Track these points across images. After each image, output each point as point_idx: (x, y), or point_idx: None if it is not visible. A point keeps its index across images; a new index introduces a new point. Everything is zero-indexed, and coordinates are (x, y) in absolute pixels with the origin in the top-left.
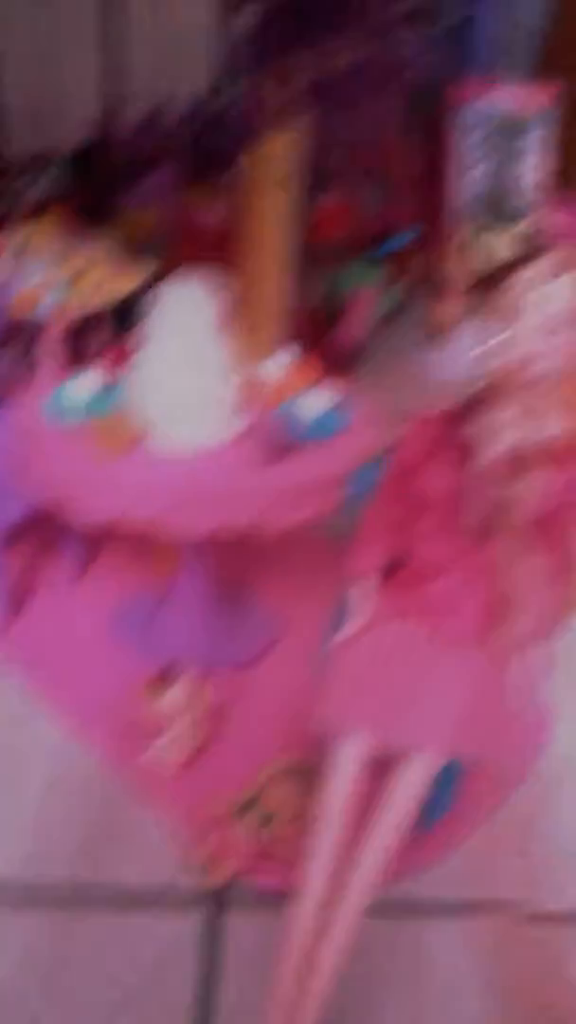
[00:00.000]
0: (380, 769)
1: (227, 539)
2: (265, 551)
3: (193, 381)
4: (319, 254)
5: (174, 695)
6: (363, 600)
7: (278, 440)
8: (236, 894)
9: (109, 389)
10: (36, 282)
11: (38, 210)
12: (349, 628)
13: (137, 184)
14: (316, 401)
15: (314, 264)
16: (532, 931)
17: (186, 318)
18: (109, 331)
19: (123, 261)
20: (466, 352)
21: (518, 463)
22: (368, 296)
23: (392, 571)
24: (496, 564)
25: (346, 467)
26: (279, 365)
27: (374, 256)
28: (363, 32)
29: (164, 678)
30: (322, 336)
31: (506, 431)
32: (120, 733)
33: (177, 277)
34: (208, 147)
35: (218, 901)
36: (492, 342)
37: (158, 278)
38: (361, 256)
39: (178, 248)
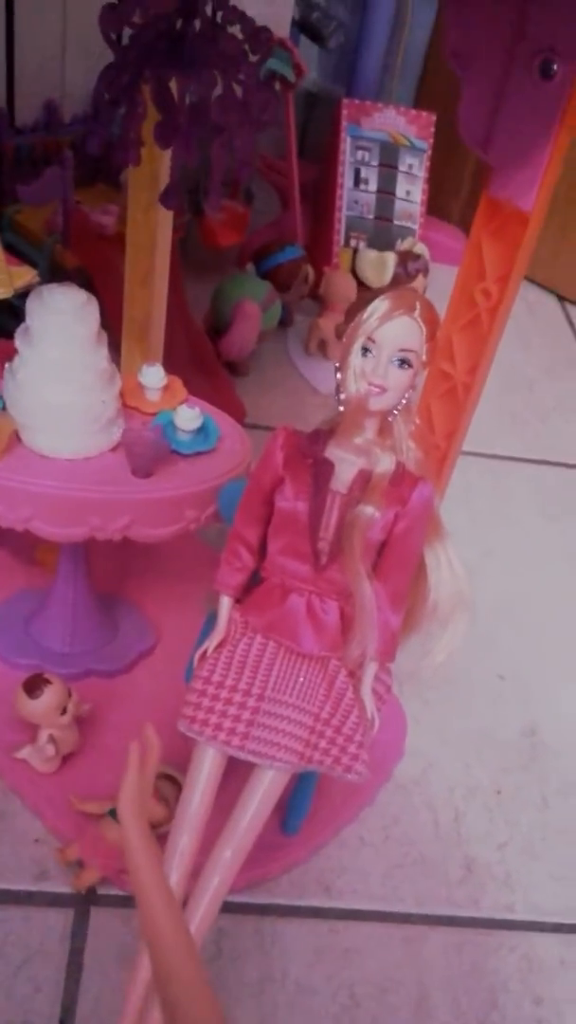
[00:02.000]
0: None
1: (101, 546)
2: (143, 558)
3: (70, 392)
4: (209, 261)
5: (43, 703)
6: (223, 617)
7: (152, 451)
8: (103, 894)
9: None
10: None
11: None
12: (211, 641)
13: (29, 180)
14: (189, 417)
15: (205, 269)
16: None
17: (63, 325)
18: None
19: (11, 258)
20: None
21: (366, 489)
22: (252, 309)
23: (253, 587)
24: (345, 585)
25: (217, 480)
26: (155, 378)
27: (259, 269)
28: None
29: (35, 684)
30: (205, 348)
31: (357, 457)
32: None
33: (54, 285)
34: (102, 148)
35: (86, 900)
36: (338, 374)
37: (49, 277)
38: (246, 269)
39: (72, 247)
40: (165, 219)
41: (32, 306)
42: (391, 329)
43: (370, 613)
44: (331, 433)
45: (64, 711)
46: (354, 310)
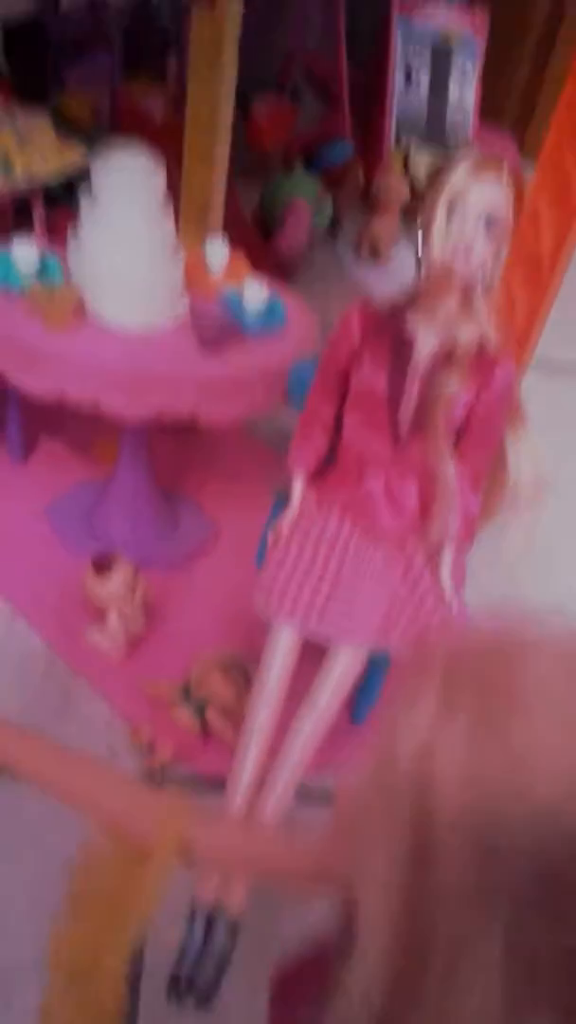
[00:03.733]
0: (313, 658)
1: (167, 426)
2: (201, 456)
3: (136, 259)
4: (256, 163)
5: (114, 582)
6: (297, 495)
7: (220, 326)
8: (172, 775)
9: (52, 262)
10: None
11: None
12: (283, 522)
13: (76, 66)
14: (256, 293)
15: (251, 173)
16: None
17: (130, 194)
18: (42, 209)
19: (59, 140)
20: (397, 269)
21: (450, 362)
22: (304, 207)
23: (327, 467)
24: (425, 463)
25: (285, 360)
26: (219, 252)
27: (311, 168)
28: None
29: (104, 564)
30: (257, 245)
31: (440, 329)
32: (60, 617)
33: (121, 153)
34: (149, 34)
35: (155, 780)
36: (422, 244)
37: (96, 160)
38: (297, 168)
39: (117, 134)
40: (227, 92)
41: (99, 168)
42: (479, 190)
43: (451, 493)
44: (410, 305)
45: (132, 591)
46: (440, 171)
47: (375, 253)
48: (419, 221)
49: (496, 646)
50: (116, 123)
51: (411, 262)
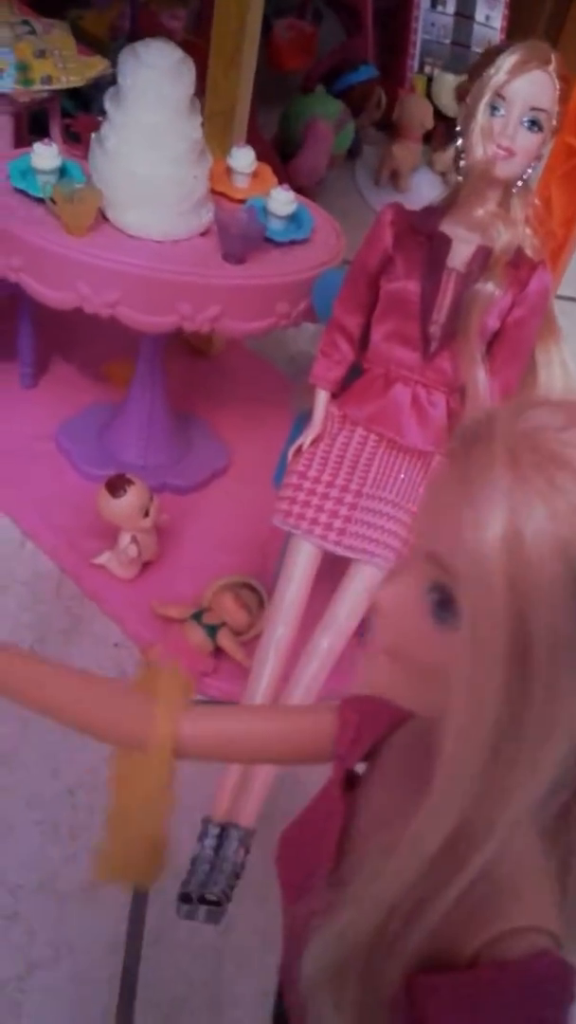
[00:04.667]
0: (331, 574)
1: (175, 363)
2: (216, 379)
3: (163, 161)
4: (275, 87)
5: (128, 503)
6: (321, 410)
7: (246, 234)
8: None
9: (73, 167)
10: None
11: None
12: (305, 437)
13: None
14: (283, 202)
15: (270, 97)
16: None
17: (159, 92)
18: (59, 117)
19: (76, 52)
20: (417, 196)
21: (486, 267)
22: (325, 128)
23: (351, 382)
24: (455, 375)
25: (311, 271)
26: (245, 160)
27: (331, 90)
28: None
29: (118, 486)
30: (276, 167)
31: (477, 232)
32: (70, 539)
33: (150, 48)
34: None
35: None
36: (460, 141)
37: (124, 56)
38: (319, 89)
39: None
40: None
41: (125, 64)
42: (523, 84)
43: (482, 403)
44: (446, 209)
45: (146, 514)
46: (481, 64)
47: (395, 179)
48: (459, 118)
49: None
50: (135, 39)
51: (430, 189)
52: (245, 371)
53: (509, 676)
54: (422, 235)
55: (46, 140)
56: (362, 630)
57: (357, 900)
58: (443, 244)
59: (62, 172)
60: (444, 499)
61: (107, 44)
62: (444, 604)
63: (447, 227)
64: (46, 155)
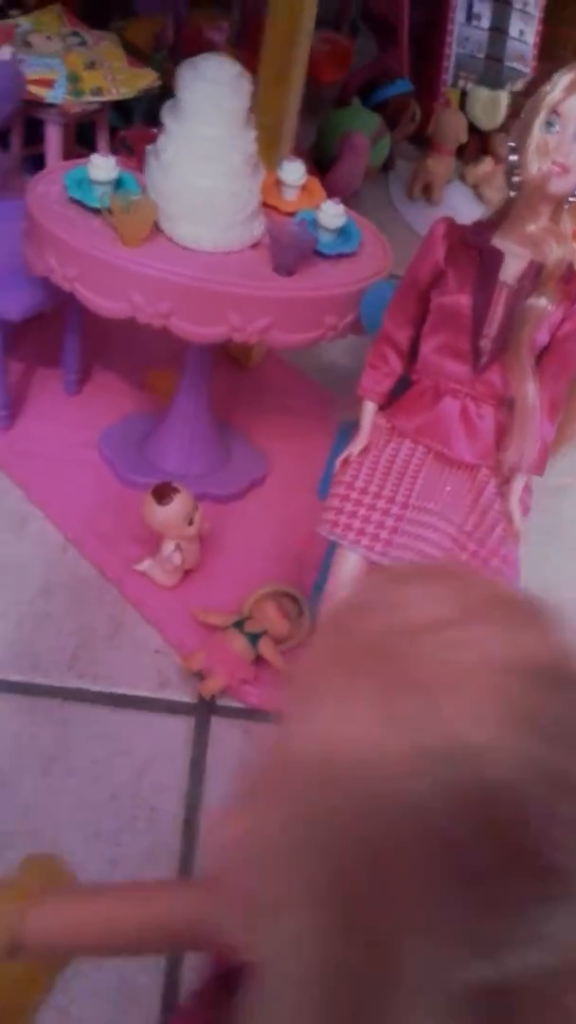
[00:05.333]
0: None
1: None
2: (255, 391)
3: (218, 174)
4: (310, 100)
5: (173, 510)
6: (368, 422)
7: (298, 246)
8: (222, 705)
9: (128, 178)
10: (38, 75)
11: (40, 4)
12: (353, 448)
13: None
14: (333, 215)
15: (305, 110)
16: None
17: (216, 104)
18: (107, 129)
19: (126, 63)
20: (450, 210)
21: (538, 280)
22: (362, 141)
23: (398, 394)
24: (504, 390)
25: (359, 284)
26: (296, 174)
27: (367, 103)
28: None
29: (164, 493)
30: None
31: (529, 248)
32: (112, 546)
33: (209, 61)
34: None
35: (207, 709)
36: (514, 157)
37: (184, 68)
38: (355, 103)
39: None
40: (309, 9)
41: (185, 77)
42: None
43: (532, 417)
44: (497, 224)
45: (191, 522)
46: (537, 81)
47: (428, 193)
48: (511, 136)
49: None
50: (178, 51)
51: (463, 203)
52: (282, 382)
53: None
54: (474, 249)
55: (103, 151)
56: None
57: None
58: (495, 258)
59: (117, 183)
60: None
61: (150, 56)
62: None
63: (499, 242)
64: (103, 166)
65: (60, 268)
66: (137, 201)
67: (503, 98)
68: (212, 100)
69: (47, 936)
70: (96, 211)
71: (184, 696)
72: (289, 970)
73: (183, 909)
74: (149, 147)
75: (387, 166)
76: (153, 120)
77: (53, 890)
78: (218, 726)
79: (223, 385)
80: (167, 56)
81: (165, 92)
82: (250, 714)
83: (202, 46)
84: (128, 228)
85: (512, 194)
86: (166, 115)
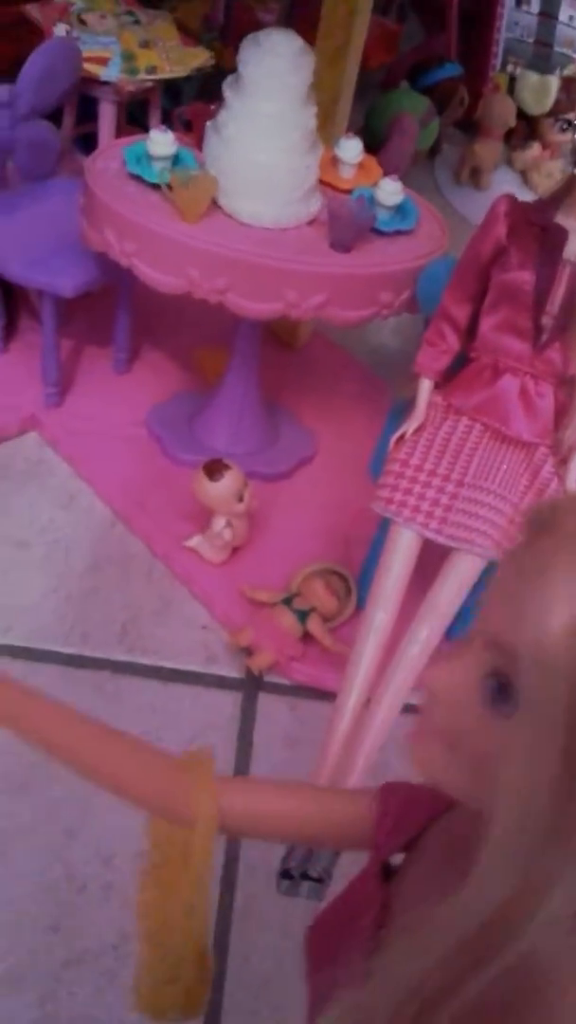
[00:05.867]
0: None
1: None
2: (302, 372)
3: (277, 150)
4: (358, 80)
5: (225, 486)
6: (424, 399)
7: (356, 223)
8: (269, 681)
9: (187, 154)
10: (93, 53)
11: None
12: (408, 425)
13: None
14: (391, 192)
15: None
16: None
17: (280, 73)
18: (159, 109)
19: (180, 42)
20: (497, 194)
21: None
22: (411, 123)
23: (455, 372)
24: (564, 367)
25: (416, 262)
26: (353, 151)
27: (415, 86)
28: None
29: (216, 469)
30: None
31: None
32: (161, 522)
33: (272, 35)
34: None
35: (254, 685)
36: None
37: (247, 43)
38: (403, 85)
39: (231, 45)
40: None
41: (247, 52)
42: None
43: None
44: (560, 201)
45: (240, 499)
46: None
47: (475, 177)
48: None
49: None
50: (228, 32)
51: (510, 188)
52: (328, 363)
53: (563, 769)
54: (536, 226)
55: (162, 127)
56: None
57: (379, 977)
58: (559, 236)
59: (175, 159)
60: (511, 586)
61: (200, 36)
62: (501, 691)
63: (562, 219)
64: (163, 142)
65: (118, 243)
66: (197, 176)
67: (552, 83)
68: (275, 75)
69: (236, 820)
70: (155, 186)
71: (232, 671)
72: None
73: (357, 814)
74: (209, 123)
75: (434, 151)
76: (202, 99)
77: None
78: (265, 702)
79: (270, 365)
80: (217, 36)
81: (217, 71)
82: (297, 691)
83: (252, 26)
84: (187, 203)
85: (575, 171)
86: (228, 90)
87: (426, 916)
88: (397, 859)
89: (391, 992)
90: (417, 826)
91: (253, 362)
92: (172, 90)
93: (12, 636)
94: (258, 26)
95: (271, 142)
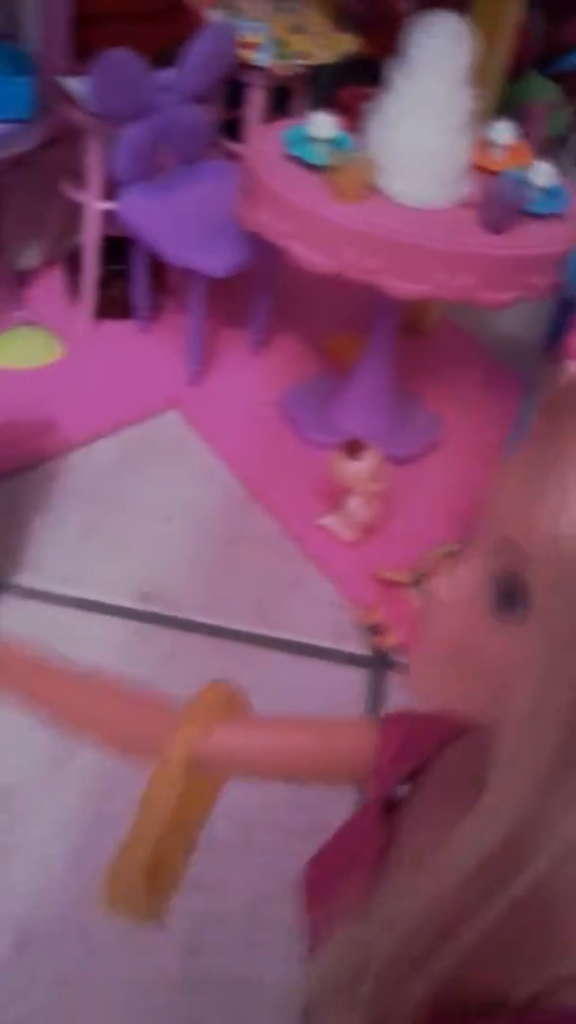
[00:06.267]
0: None
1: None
2: (430, 359)
3: (437, 130)
4: None
5: (364, 465)
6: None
7: (509, 205)
8: (399, 661)
9: (344, 137)
10: (244, 38)
11: None
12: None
13: None
14: (544, 175)
15: None
16: None
17: (446, 54)
18: (305, 94)
19: (326, 30)
20: None
21: None
22: (541, 110)
23: None
24: None
25: (566, 246)
26: (506, 134)
27: (546, 71)
28: None
29: (355, 447)
30: None
31: None
32: (294, 501)
33: (436, 17)
34: None
35: (382, 663)
36: None
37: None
38: (531, 73)
39: (369, 35)
40: None
41: (416, 34)
42: None
43: None
44: None
45: (377, 479)
46: None
47: None
48: None
49: None
50: (365, 21)
51: None
52: (455, 349)
53: None
54: None
55: (323, 110)
56: None
57: (383, 911)
58: None
59: (336, 140)
60: (524, 477)
61: (347, 17)
62: (510, 594)
63: None
64: (324, 124)
65: (273, 223)
66: (357, 158)
67: None
68: (441, 57)
69: (225, 757)
70: (312, 168)
71: (361, 649)
72: (532, 732)
73: (359, 745)
74: (368, 105)
75: (562, 138)
76: (344, 85)
77: (235, 716)
78: (393, 680)
79: (399, 350)
80: (356, 24)
81: (356, 58)
82: None
83: (389, 14)
84: (348, 184)
85: None
86: (393, 72)
87: (437, 844)
88: (402, 792)
89: (395, 926)
90: (423, 756)
91: (388, 347)
92: (310, 76)
93: (160, 605)
94: (395, 14)
95: (433, 123)
